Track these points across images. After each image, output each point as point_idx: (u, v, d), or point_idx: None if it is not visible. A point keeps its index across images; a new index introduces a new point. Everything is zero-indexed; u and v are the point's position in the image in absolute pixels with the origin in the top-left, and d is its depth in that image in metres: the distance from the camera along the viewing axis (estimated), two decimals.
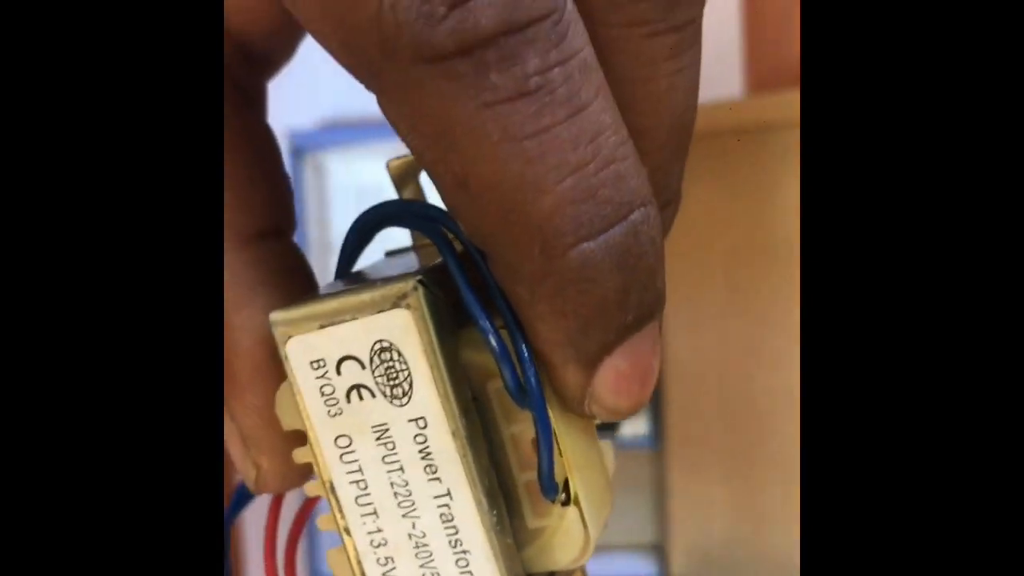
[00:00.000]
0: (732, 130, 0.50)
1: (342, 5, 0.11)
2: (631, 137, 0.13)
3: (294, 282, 0.16)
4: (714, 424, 0.51)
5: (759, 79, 0.57)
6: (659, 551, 0.59)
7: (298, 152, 0.49)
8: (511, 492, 0.14)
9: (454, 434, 0.13)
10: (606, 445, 0.16)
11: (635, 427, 0.59)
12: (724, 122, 0.50)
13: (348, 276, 0.15)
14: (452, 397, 0.13)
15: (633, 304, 0.13)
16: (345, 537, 0.14)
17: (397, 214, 0.15)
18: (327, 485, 0.13)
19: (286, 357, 0.13)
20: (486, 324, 0.13)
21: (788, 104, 0.47)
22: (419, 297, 0.13)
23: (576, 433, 0.14)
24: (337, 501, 0.13)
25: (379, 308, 0.13)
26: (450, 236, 0.13)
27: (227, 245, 0.16)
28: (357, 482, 0.13)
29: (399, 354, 0.13)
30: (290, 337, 0.13)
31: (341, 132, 0.48)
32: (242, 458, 0.16)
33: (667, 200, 0.14)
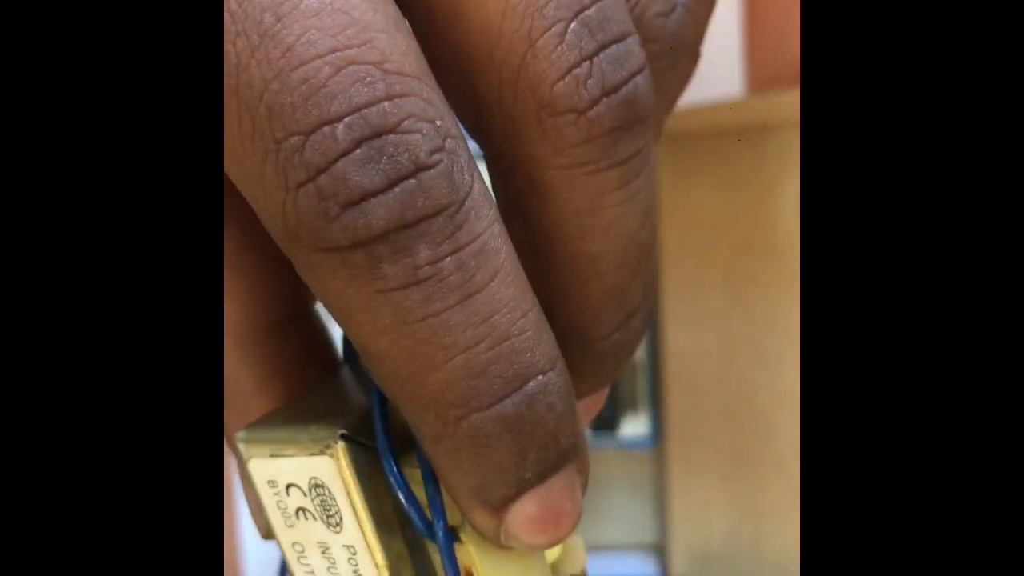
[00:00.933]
0: (732, 130, 0.50)
1: (256, 191, 0.12)
2: (587, 261, 0.14)
3: (315, 361, 0.17)
4: (714, 424, 0.51)
5: (760, 78, 0.57)
6: (659, 551, 0.59)
7: None
8: None
9: (377, 565, 0.14)
10: (576, 542, 0.17)
11: (635, 427, 0.59)
12: (724, 122, 0.50)
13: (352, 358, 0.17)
14: (375, 534, 0.14)
15: (531, 463, 0.13)
16: None
17: None
18: None
19: (250, 473, 0.15)
20: (392, 469, 0.14)
21: (788, 104, 0.47)
22: (340, 449, 0.14)
23: (503, 560, 0.15)
24: None
25: (310, 452, 0.14)
26: None
27: (247, 336, 0.17)
28: None
29: (329, 492, 0.14)
30: (251, 458, 0.15)
31: None
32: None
33: (631, 312, 0.15)
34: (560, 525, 0.14)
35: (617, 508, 0.60)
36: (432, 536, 0.14)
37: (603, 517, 0.59)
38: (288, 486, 0.15)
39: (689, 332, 0.52)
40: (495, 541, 0.14)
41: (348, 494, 0.14)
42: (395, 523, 0.15)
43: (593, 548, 0.58)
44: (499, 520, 0.14)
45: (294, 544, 0.15)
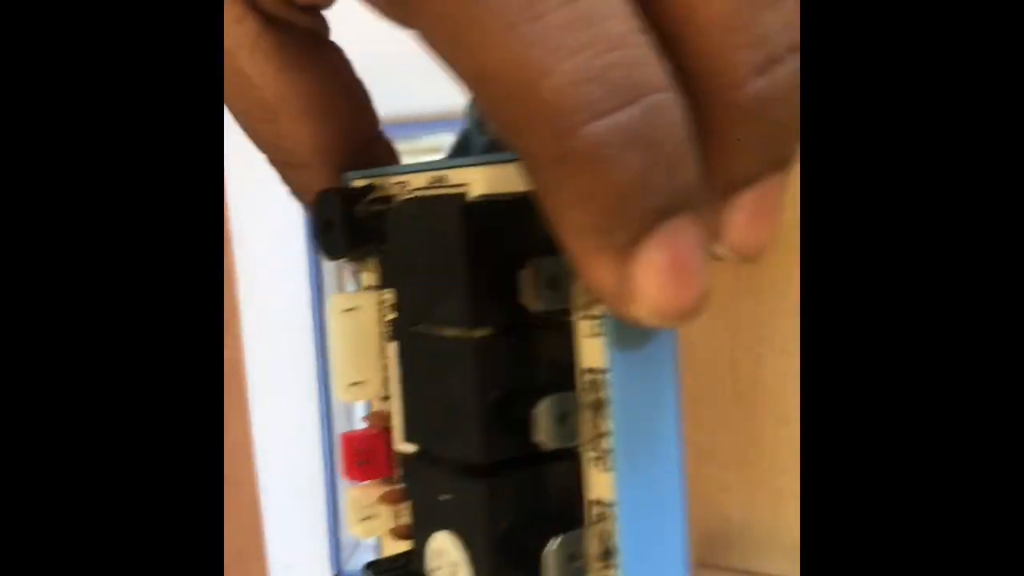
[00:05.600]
0: None
1: None
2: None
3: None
4: (727, 409, 0.51)
5: None
6: None
7: None
8: None
9: None
10: None
11: None
12: None
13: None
14: None
15: (657, 188, 0.12)
16: None
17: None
18: None
19: None
20: None
21: None
22: None
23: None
24: None
25: None
26: None
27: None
28: None
29: None
30: None
31: None
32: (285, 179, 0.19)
33: (770, 56, 0.13)
34: (688, 282, 0.13)
35: None
36: None
37: None
38: None
39: (699, 319, 0.52)
40: (619, 307, 0.13)
41: None
42: None
43: None
44: (623, 271, 0.13)
45: None
